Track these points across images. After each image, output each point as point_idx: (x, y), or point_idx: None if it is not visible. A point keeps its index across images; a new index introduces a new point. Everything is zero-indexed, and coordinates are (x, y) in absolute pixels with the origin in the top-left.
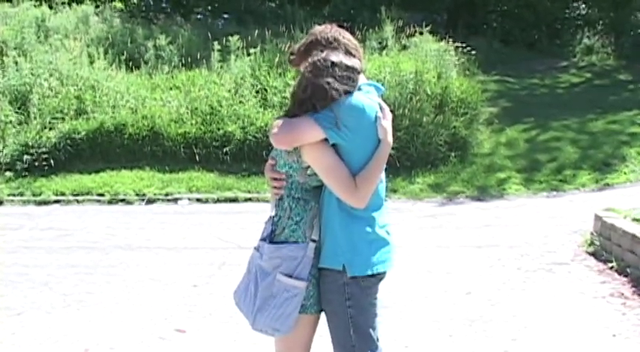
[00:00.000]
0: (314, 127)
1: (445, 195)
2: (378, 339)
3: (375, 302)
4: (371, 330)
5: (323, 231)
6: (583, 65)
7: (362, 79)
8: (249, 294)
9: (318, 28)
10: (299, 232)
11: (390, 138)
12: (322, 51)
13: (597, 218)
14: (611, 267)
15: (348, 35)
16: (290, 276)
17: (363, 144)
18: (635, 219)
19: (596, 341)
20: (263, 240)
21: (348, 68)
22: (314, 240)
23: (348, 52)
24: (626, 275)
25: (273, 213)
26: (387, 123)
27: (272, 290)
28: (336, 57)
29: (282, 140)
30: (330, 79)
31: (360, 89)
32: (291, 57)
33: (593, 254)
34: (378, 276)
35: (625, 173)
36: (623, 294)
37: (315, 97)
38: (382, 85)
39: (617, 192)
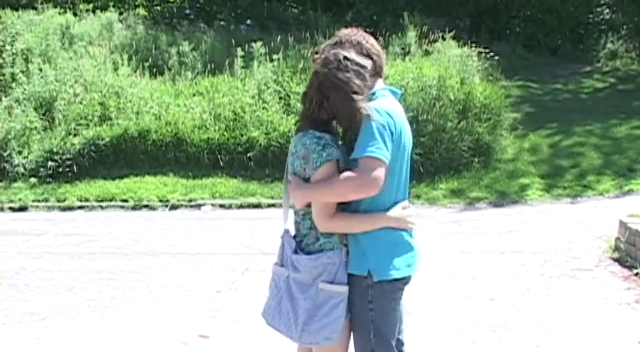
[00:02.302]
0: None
1: (468, 201)
2: (403, 344)
3: (397, 308)
4: (391, 336)
5: (348, 235)
6: (607, 70)
7: (379, 84)
8: (285, 312)
9: (344, 31)
10: (334, 239)
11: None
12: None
13: (622, 224)
14: (637, 273)
15: (372, 40)
16: (332, 283)
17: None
18: None
19: (621, 348)
20: (295, 253)
21: (357, 64)
22: (345, 245)
23: (367, 56)
24: None
25: (287, 226)
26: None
27: (317, 301)
28: (347, 52)
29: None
30: (344, 73)
31: (374, 94)
32: (315, 56)
33: (617, 260)
34: (403, 281)
35: None
36: None
37: (330, 89)
38: (403, 89)
39: None
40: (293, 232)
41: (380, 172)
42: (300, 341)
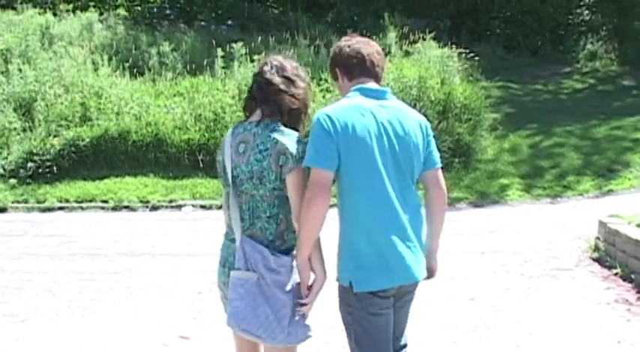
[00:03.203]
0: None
1: (448, 202)
2: (402, 347)
3: (379, 313)
4: (372, 341)
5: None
6: (586, 71)
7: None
8: (264, 316)
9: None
10: (295, 234)
11: None
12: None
13: (601, 224)
14: (616, 273)
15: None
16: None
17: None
18: (639, 225)
19: (601, 348)
20: (273, 255)
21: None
22: None
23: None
24: (630, 281)
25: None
26: None
27: (298, 298)
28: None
29: None
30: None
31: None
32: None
33: (597, 260)
34: (379, 293)
35: (629, 179)
36: (627, 300)
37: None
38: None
39: (620, 198)
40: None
41: (313, 178)
42: (288, 341)
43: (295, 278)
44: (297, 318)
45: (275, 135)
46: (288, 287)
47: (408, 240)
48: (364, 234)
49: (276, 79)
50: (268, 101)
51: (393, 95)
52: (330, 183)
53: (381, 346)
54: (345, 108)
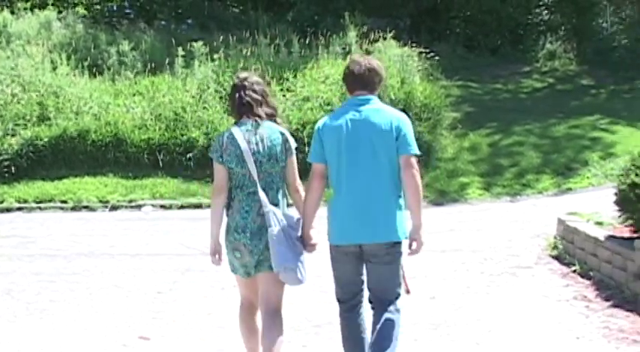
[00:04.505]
0: None
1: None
2: (356, 292)
3: (340, 261)
4: (337, 279)
5: None
6: (545, 70)
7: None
8: (295, 251)
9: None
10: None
11: None
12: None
13: (560, 222)
14: (574, 271)
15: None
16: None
17: None
18: (597, 223)
19: (560, 344)
20: (288, 216)
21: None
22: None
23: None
24: (589, 279)
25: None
26: None
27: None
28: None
29: None
30: None
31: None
32: None
33: (556, 257)
34: (340, 247)
35: (587, 177)
36: (586, 297)
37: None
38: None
39: (579, 196)
40: (263, 207)
41: (312, 169)
42: (300, 281)
43: (299, 232)
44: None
45: (279, 129)
46: (299, 241)
47: (366, 210)
48: (334, 204)
49: (266, 90)
50: (268, 105)
51: (378, 100)
52: (322, 172)
53: (342, 284)
54: (332, 115)
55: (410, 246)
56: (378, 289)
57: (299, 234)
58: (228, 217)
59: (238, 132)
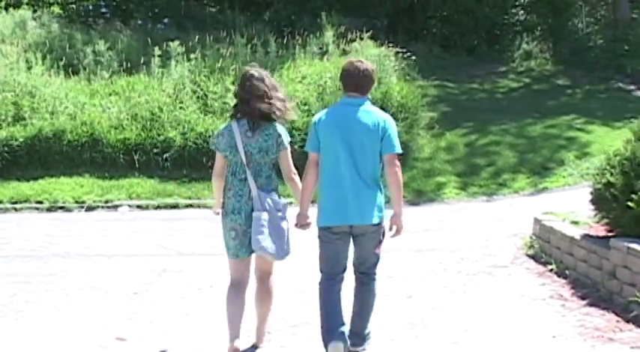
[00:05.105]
0: None
1: (385, 200)
2: (340, 271)
3: (329, 242)
4: (325, 259)
5: None
6: (522, 70)
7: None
8: (280, 237)
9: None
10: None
11: None
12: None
13: (536, 221)
14: (551, 270)
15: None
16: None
17: None
18: (573, 222)
19: (537, 343)
20: (277, 200)
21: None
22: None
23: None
24: (565, 278)
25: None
26: None
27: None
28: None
29: None
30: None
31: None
32: None
33: (532, 256)
34: (329, 229)
35: (563, 177)
36: (562, 296)
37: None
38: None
39: (555, 195)
40: (251, 191)
41: (308, 157)
42: (282, 257)
43: (287, 215)
44: (286, 241)
45: (275, 126)
46: (284, 223)
47: (351, 197)
48: (323, 191)
49: (268, 84)
50: (269, 98)
51: (370, 102)
52: (317, 160)
53: (329, 264)
54: (327, 111)
55: (391, 228)
56: (362, 257)
57: (284, 216)
58: (226, 200)
59: (236, 127)
